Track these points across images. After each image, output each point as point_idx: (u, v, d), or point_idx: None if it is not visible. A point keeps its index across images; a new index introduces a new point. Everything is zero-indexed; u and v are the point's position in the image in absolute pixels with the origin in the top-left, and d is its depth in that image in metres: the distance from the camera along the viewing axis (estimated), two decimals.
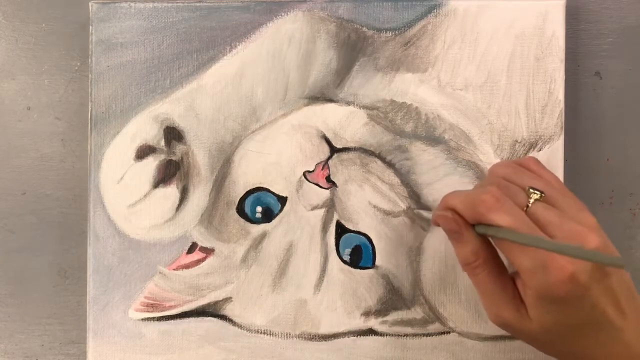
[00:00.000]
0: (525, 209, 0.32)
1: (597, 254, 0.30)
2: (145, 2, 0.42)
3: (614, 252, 0.32)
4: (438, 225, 0.35)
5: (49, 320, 0.45)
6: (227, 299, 0.42)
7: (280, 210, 0.42)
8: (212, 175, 0.42)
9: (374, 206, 0.41)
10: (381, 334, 0.42)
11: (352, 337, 0.42)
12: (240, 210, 0.42)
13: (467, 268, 0.34)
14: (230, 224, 0.42)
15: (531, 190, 0.33)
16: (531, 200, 0.33)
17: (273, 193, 0.42)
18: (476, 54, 0.42)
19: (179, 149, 0.42)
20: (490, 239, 0.34)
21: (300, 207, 0.42)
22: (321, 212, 0.42)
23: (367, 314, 0.42)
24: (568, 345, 0.33)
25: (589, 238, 0.31)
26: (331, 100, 0.42)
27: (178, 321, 0.42)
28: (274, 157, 0.42)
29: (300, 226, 0.42)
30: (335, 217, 0.42)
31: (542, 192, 0.33)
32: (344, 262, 0.42)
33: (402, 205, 0.42)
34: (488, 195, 0.33)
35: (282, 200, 0.42)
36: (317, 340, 0.42)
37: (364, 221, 0.42)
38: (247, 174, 0.42)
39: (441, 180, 0.42)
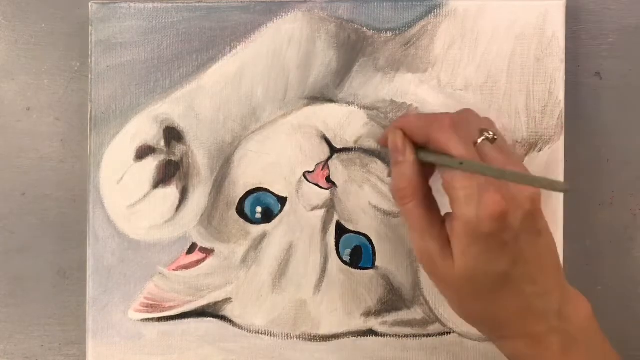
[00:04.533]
0: (474, 144, 0.33)
1: (544, 178, 0.30)
2: (145, 2, 0.42)
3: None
4: (385, 145, 0.35)
5: (48, 320, 0.45)
6: (227, 300, 0.42)
7: (280, 210, 0.42)
8: (211, 175, 0.42)
9: (374, 206, 0.41)
10: (381, 335, 0.42)
11: (352, 338, 0.42)
12: (240, 210, 0.42)
13: (398, 195, 0.34)
14: (230, 224, 0.42)
15: (484, 132, 0.33)
16: (482, 138, 0.33)
17: (273, 193, 0.42)
18: (476, 54, 0.42)
19: (179, 149, 0.42)
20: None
21: (300, 207, 0.42)
22: (321, 212, 0.41)
23: (367, 314, 0.42)
24: (485, 302, 0.32)
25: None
26: (331, 101, 0.42)
27: (178, 322, 0.42)
28: (274, 158, 0.42)
29: (300, 227, 0.42)
30: (335, 218, 0.41)
31: (494, 136, 0.33)
32: (344, 262, 0.42)
33: None
34: (445, 116, 0.33)
35: (282, 200, 0.42)
36: (317, 341, 0.42)
37: (364, 221, 0.41)
38: (247, 174, 0.42)
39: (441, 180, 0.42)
